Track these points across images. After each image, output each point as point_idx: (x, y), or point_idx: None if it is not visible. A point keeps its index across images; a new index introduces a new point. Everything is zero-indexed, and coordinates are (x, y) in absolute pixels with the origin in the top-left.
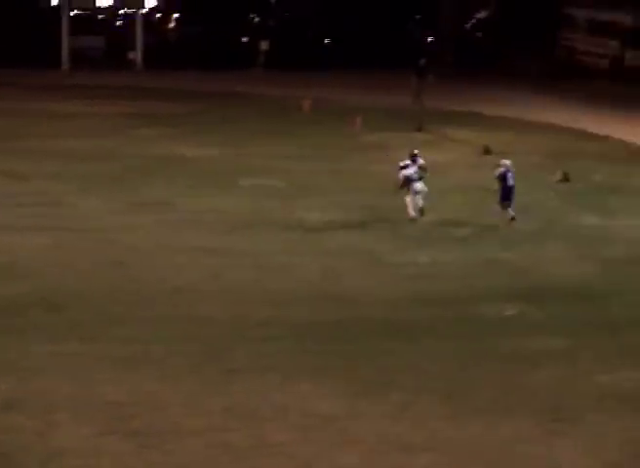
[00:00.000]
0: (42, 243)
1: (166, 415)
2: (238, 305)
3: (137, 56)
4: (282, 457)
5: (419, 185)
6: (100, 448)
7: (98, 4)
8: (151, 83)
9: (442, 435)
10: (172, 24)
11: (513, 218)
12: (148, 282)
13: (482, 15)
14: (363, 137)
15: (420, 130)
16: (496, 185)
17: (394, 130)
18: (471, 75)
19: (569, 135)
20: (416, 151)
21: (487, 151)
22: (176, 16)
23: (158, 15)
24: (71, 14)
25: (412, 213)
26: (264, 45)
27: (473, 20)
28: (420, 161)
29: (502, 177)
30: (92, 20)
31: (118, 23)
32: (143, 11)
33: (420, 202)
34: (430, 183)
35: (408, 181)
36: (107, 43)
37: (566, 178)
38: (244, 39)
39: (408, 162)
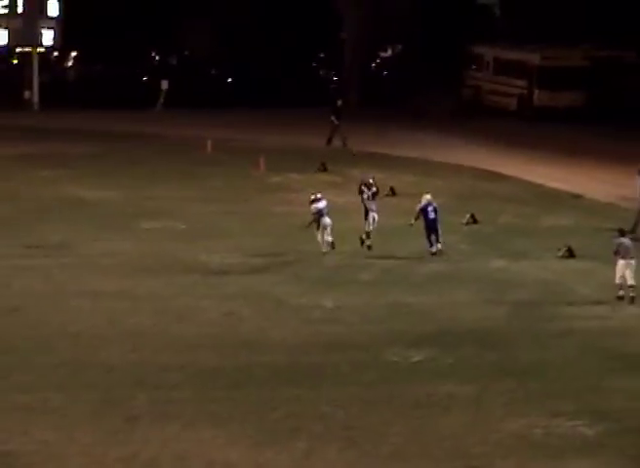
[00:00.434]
0: None
1: (62, 466)
2: (138, 351)
3: (33, 95)
4: None
5: (327, 220)
6: None
7: None
8: (49, 123)
9: None
10: (70, 63)
11: (434, 253)
12: (45, 327)
13: (388, 53)
14: (267, 178)
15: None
16: (412, 221)
17: (298, 170)
18: (377, 115)
19: (476, 176)
20: (371, 180)
21: (392, 193)
22: (74, 54)
23: (55, 53)
24: None
25: (323, 248)
26: (165, 84)
27: (379, 60)
28: (374, 189)
29: (423, 211)
30: None
31: (14, 62)
32: (40, 49)
33: (329, 237)
34: (335, 225)
35: (319, 216)
36: (2, 82)
37: (473, 220)
38: (144, 78)
39: (319, 195)
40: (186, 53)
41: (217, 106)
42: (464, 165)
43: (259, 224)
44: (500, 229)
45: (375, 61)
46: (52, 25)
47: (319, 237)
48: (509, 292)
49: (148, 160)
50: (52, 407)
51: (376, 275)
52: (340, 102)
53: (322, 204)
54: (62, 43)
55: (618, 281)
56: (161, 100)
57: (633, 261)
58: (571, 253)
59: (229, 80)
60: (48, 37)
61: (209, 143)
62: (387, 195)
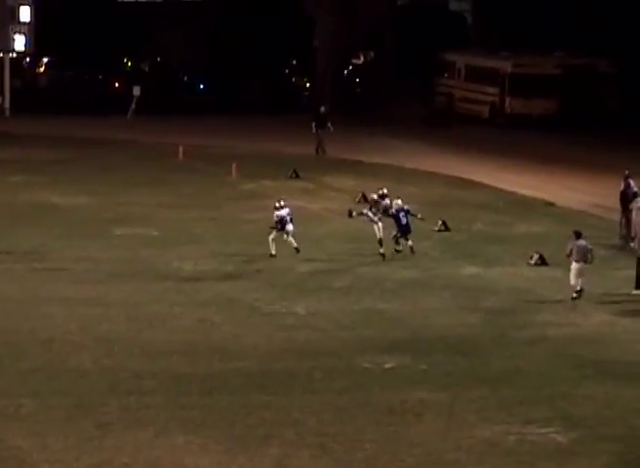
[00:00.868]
0: None
1: None
2: (111, 357)
3: (4, 101)
4: None
5: (290, 227)
6: None
7: None
8: (21, 129)
9: None
10: (42, 69)
11: (399, 251)
12: (18, 333)
13: (360, 60)
14: (239, 185)
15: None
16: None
17: (271, 177)
18: (350, 122)
19: (449, 183)
20: (385, 190)
21: (365, 199)
22: (46, 60)
23: (27, 59)
24: None
25: (272, 251)
26: (137, 90)
27: (351, 66)
28: (387, 201)
29: (395, 217)
30: None
31: None
32: (12, 55)
33: (294, 243)
34: (307, 232)
35: (282, 223)
36: None
37: (445, 227)
38: (116, 84)
39: (283, 203)
40: (159, 59)
41: (189, 113)
42: (437, 172)
43: (231, 231)
44: (472, 236)
45: (347, 68)
46: (24, 31)
47: (271, 239)
48: (482, 300)
49: (121, 166)
50: (24, 413)
51: (348, 281)
52: (323, 109)
53: (284, 211)
54: (35, 49)
55: (573, 282)
56: (133, 107)
57: (587, 264)
58: (543, 261)
59: (202, 86)
60: (20, 43)
61: (181, 150)
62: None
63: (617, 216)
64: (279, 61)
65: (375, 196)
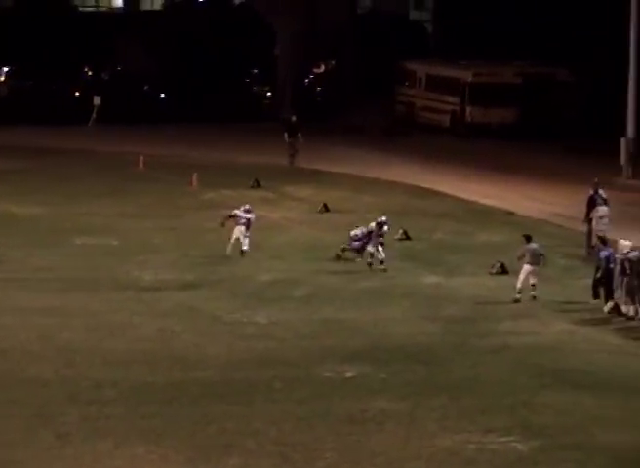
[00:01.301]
0: None
1: None
2: (70, 367)
3: None
4: None
5: (241, 229)
6: None
7: None
8: None
9: None
10: (2, 78)
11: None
12: None
13: (321, 70)
14: (200, 195)
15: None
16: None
17: (231, 187)
18: (310, 131)
19: (409, 192)
20: (384, 218)
21: (325, 209)
22: (5, 69)
23: None
24: None
25: (228, 252)
26: (97, 100)
27: (312, 76)
28: (386, 228)
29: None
30: None
31: None
32: None
33: (246, 246)
34: (268, 241)
35: (233, 218)
36: None
37: (406, 237)
38: (77, 93)
39: (249, 207)
40: (119, 68)
41: (150, 122)
42: (397, 181)
43: (192, 240)
44: (433, 245)
45: (308, 78)
46: None
47: (232, 240)
48: (442, 308)
49: (81, 176)
50: None
51: (309, 291)
52: (294, 119)
53: (247, 214)
54: None
55: (519, 285)
56: (94, 116)
57: (537, 268)
58: (504, 270)
59: (162, 96)
60: None
61: (141, 159)
62: (320, 211)
63: (577, 226)
64: (240, 71)
65: (373, 225)
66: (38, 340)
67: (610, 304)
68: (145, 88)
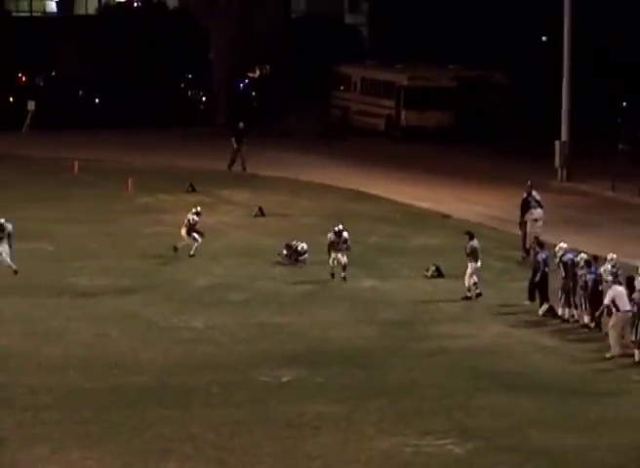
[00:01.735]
0: None
1: None
2: (5, 372)
3: None
4: None
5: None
6: None
7: None
8: None
9: None
10: None
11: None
12: None
13: (256, 74)
14: (135, 199)
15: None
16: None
17: (167, 191)
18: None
19: (345, 196)
20: (341, 226)
21: (261, 213)
22: None
23: None
24: None
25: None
26: (31, 105)
27: (246, 80)
28: (345, 234)
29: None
30: None
31: None
32: None
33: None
34: (204, 246)
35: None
36: None
37: None
38: (10, 99)
39: (199, 210)
40: (54, 73)
41: (84, 127)
42: (332, 185)
43: (128, 245)
44: (369, 249)
45: (243, 82)
46: None
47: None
48: (379, 312)
49: (15, 181)
50: None
51: (246, 295)
52: (241, 125)
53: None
54: None
55: (469, 282)
56: (28, 122)
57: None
58: (440, 273)
59: (97, 101)
60: None
61: (76, 164)
62: (256, 215)
63: (512, 228)
64: (174, 75)
65: (331, 235)
66: None
67: (545, 307)
68: (80, 93)
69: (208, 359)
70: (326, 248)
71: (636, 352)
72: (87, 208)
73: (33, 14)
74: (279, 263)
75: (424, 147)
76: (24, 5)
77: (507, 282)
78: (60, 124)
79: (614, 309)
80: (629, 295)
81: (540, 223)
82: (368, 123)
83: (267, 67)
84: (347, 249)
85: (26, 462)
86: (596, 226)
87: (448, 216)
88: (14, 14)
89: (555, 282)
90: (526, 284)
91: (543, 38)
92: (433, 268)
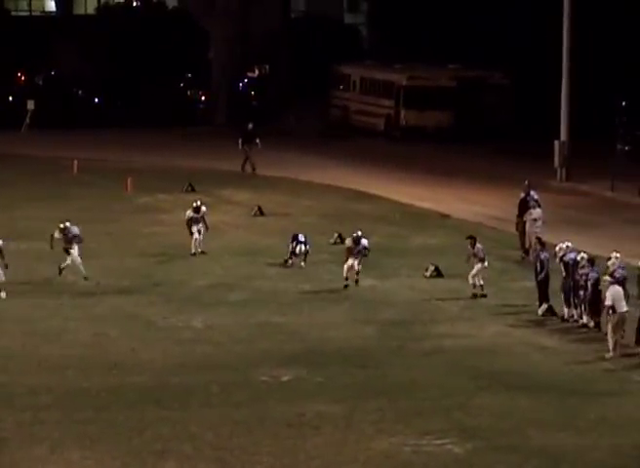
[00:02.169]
0: None
1: None
2: (6, 373)
3: None
4: None
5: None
6: None
7: None
8: None
9: None
10: None
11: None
12: None
13: (255, 74)
14: (135, 199)
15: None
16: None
17: (166, 191)
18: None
19: (345, 195)
20: (360, 233)
21: (261, 213)
22: None
23: None
24: None
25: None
26: (31, 104)
27: (246, 80)
28: (364, 241)
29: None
30: None
31: None
32: None
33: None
34: (204, 245)
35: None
36: None
37: (341, 240)
38: (10, 98)
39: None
40: (53, 73)
41: (83, 127)
42: (333, 185)
43: (128, 245)
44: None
45: (242, 82)
46: None
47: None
48: (379, 312)
49: (15, 181)
50: None
51: (245, 295)
52: (250, 126)
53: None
54: None
55: (474, 280)
56: (27, 121)
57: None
58: (439, 273)
59: (96, 100)
60: None
61: (75, 164)
62: (256, 215)
63: (512, 228)
64: (174, 75)
65: (349, 241)
66: None
67: (544, 306)
68: (79, 92)
69: (207, 359)
70: (324, 248)
71: None
72: (86, 207)
73: (32, 13)
74: (281, 265)
75: (424, 147)
76: (24, 4)
77: (507, 282)
78: (60, 123)
79: (611, 310)
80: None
81: (539, 223)
82: (367, 123)
83: (267, 67)
84: (364, 255)
85: (26, 462)
86: (596, 226)
87: (447, 216)
88: (13, 13)
89: (556, 282)
90: (525, 284)
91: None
92: (432, 268)
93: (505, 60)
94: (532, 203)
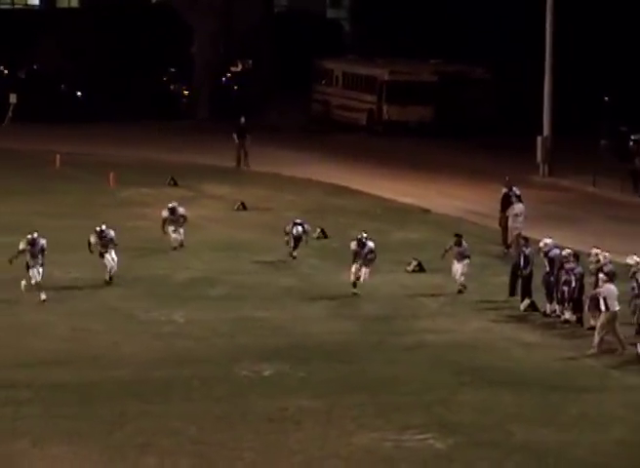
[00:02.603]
0: None
1: None
2: None
3: None
4: None
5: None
6: None
7: None
8: None
9: None
10: None
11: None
12: None
13: (238, 68)
14: (117, 193)
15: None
16: None
17: (149, 185)
18: (227, 129)
19: (326, 191)
20: (364, 234)
21: (243, 207)
22: None
23: None
24: None
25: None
26: (13, 98)
27: (229, 74)
28: (370, 244)
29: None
30: None
31: None
32: None
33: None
34: (185, 240)
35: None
36: None
37: (324, 235)
38: None
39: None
40: (35, 67)
41: (66, 121)
42: (315, 180)
43: None
44: (350, 244)
45: (225, 76)
46: None
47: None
48: (360, 307)
49: None
50: None
51: (227, 290)
52: (243, 120)
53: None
54: None
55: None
56: (9, 114)
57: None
58: (421, 268)
59: (79, 94)
60: None
61: (58, 158)
62: (238, 209)
63: (493, 223)
64: (158, 69)
65: (353, 245)
66: None
67: (527, 302)
68: (62, 86)
69: (188, 353)
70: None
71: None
72: (69, 201)
73: (15, 6)
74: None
75: (406, 142)
76: None
77: (489, 277)
78: (43, 117)
79: (603, 308)
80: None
81: (521, 218)
82: (350, 117)
83: (250, 62)
84: (372, 260)
85: (6, 456)
86: (577, 222)
87: (429, 211)
88: None
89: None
90: (507, 279)
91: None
92: (415, 263)
93: (487, 55)
94: (514, 198)
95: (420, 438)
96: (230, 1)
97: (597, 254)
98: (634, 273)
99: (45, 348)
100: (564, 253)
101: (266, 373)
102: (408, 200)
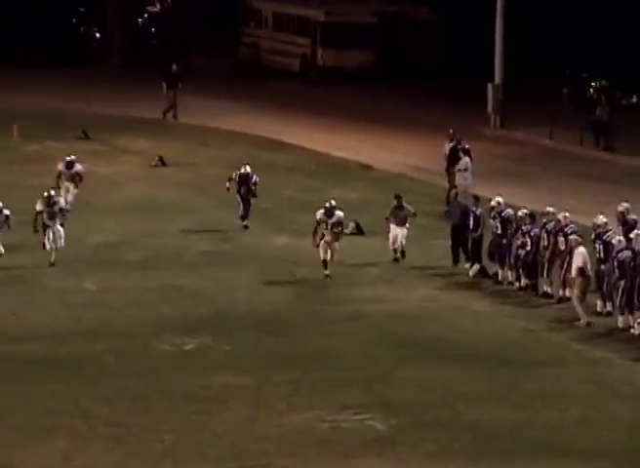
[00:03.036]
0: None
1: None
2: None
3: None
4: None
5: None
6: None
7: None
8: None
9: None
10: None
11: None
12: None
13: (156, 8)
14: (21, 147)
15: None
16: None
17: (57, 138)
18: (144, 76)
19: (255, 144)
20: (333, 202)
21: (161, 163)
22: None
23: None
24: None
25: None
26: None
27: (146, 15)
28: (339, 213)
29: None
30: None
31: None
32: None
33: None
34: (98, 199)
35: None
36: None
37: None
38: None
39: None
40: None
41: None
42: (242, 132)
43: (13, 198)
44: (281, 203)
45: (141, 17)
46: None
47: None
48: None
49: None
50: None
51: (145, 255)
52: (174, 67)
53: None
54: None
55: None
56: None
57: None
58: (359, 230)
59: None
60: None
61: None
62: (156, 165)
63: (439, 180)
64: (65, 9)
65: (320, 213)
66: None
67: (476, 267)
68: None
69: (102, 325)
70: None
71: (620, 318)
72: None
73: None
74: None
75: (343, 90)
76: None
77: (433, 239)
78: None
79: (576, 273)
80: None
81: (467, 174)
82: (281, 63)
83: (169, 1)
84: (339, 233)
85: None
86: (533, 178)
87: (369, 167)
88: None
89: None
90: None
91: None
92: (353, 224)
93: None
94: (461, 153)
95: (359, 418)
96: None
97: (554, 214)
98: (598, 235)
99: None
100: (519, 213)
101: (188, 347)
102: (345, 154)
